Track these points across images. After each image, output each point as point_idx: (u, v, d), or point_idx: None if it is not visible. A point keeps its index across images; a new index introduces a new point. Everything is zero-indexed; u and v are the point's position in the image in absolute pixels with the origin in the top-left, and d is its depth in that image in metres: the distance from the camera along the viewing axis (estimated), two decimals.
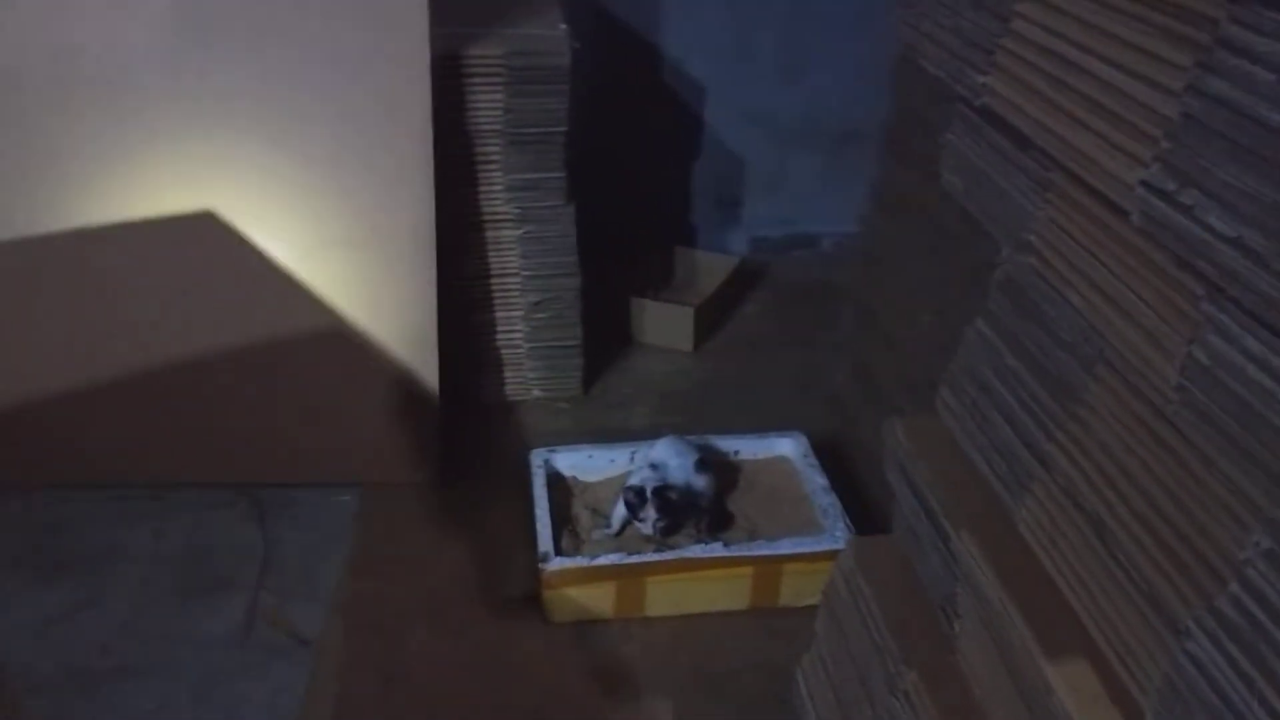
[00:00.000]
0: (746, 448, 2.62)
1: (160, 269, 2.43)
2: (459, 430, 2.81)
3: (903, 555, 1.64)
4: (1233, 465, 1.01)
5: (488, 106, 2.65)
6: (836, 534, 2.27)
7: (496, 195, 2.75)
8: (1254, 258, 0.87)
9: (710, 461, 2.46)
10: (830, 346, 3.24)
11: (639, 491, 2.29)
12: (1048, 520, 1.30)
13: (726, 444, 2.61)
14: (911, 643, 1.47)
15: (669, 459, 2.39)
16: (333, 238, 2.45)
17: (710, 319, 3.35)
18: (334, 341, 2.52)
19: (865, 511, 2.43)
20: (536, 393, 3.01)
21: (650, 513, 2.26)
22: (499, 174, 2.73)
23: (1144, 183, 1.02)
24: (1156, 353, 1.07)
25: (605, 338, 3.20)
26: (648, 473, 2.33)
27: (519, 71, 2.61)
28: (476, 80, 2.61)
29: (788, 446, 2.63)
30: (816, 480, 2.47)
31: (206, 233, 2.38)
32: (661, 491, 2.28)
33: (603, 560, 2.20)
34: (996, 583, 1.28)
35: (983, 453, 1.47)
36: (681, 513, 2.32)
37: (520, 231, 2.79)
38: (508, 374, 2.98)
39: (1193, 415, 1.04)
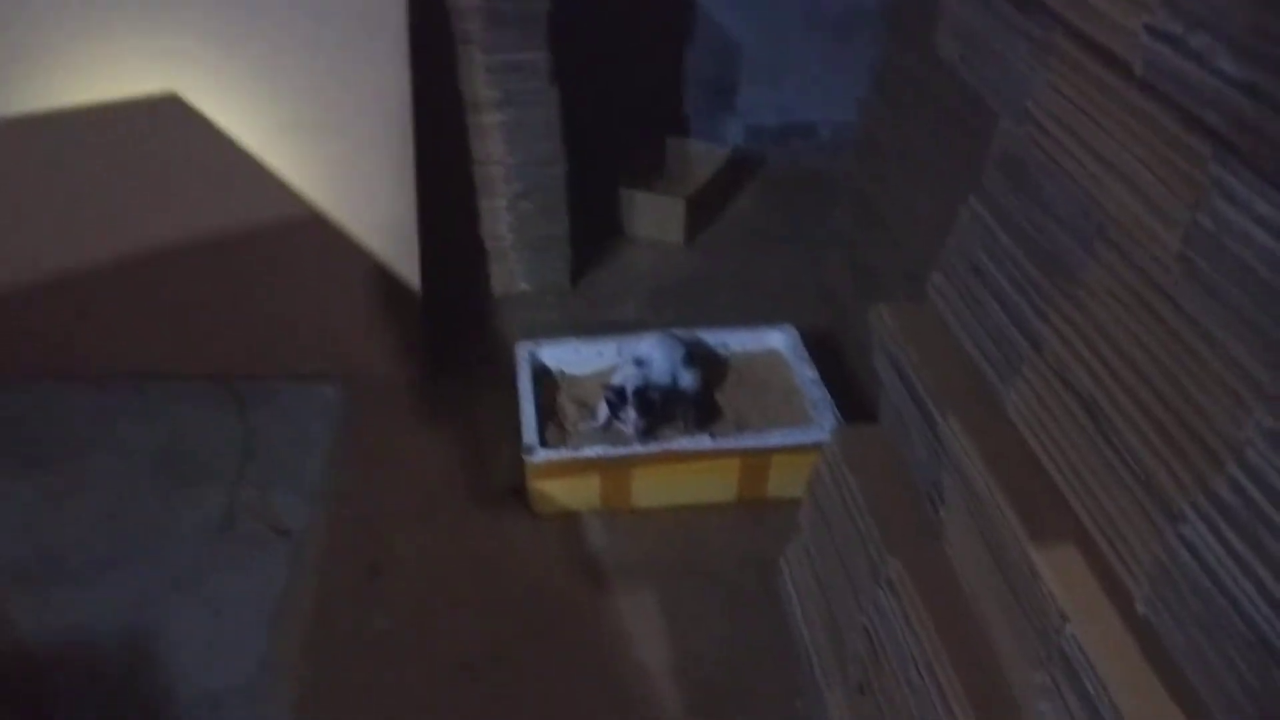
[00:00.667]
0: (736, 341, 2.57)
1: (125, 154, 2.34)
2: (443, 323, 2.75)
3: (889, 444, 1.60)
4: (1235, 339, 0.95)
5: None
6: (825, 426, 2.23)
7: (477, 77, 2.64)
8: (1270, 103, 0.80)
9: (697, 355, 2.41)
10: (826, 239, 3.16)
11: (619, 392, 2.24)
12: (1037, 403, 1.25)
13: (715, 338, 2.55)
14: (896, 531, 1.44)
15: (654, 354, 2.34)
16: (302, 120, 2.35)
17: (703, 211, 3.27)
18: (309, 230, 2.44)
19: (856, 404, 2.38)
20: (523, 286, 2.94)
21: (630, 414, 2.22)
22: (479, 54, 2.62)
23: (1149, 28, 0.94)
24: (1158, 222, 1.00)
25: (594, 230, 3.12)
26: (631, 370, 2.28)
27: None
28: None
29: (778, 339, 2.57)
30: (806, 373, 2.42)
31: (171, 116, 2.28)
32: (642, 393, 2.23)
33: (588, 452, 2.16)
34: (983, 467, 1.23)
35: (973, 336, 1.41)
36: (663, 412, 2.27)
37: (503, 116, 2.69)
38: (493, 267, 2.91)
39: (1195, 287, 0.98)
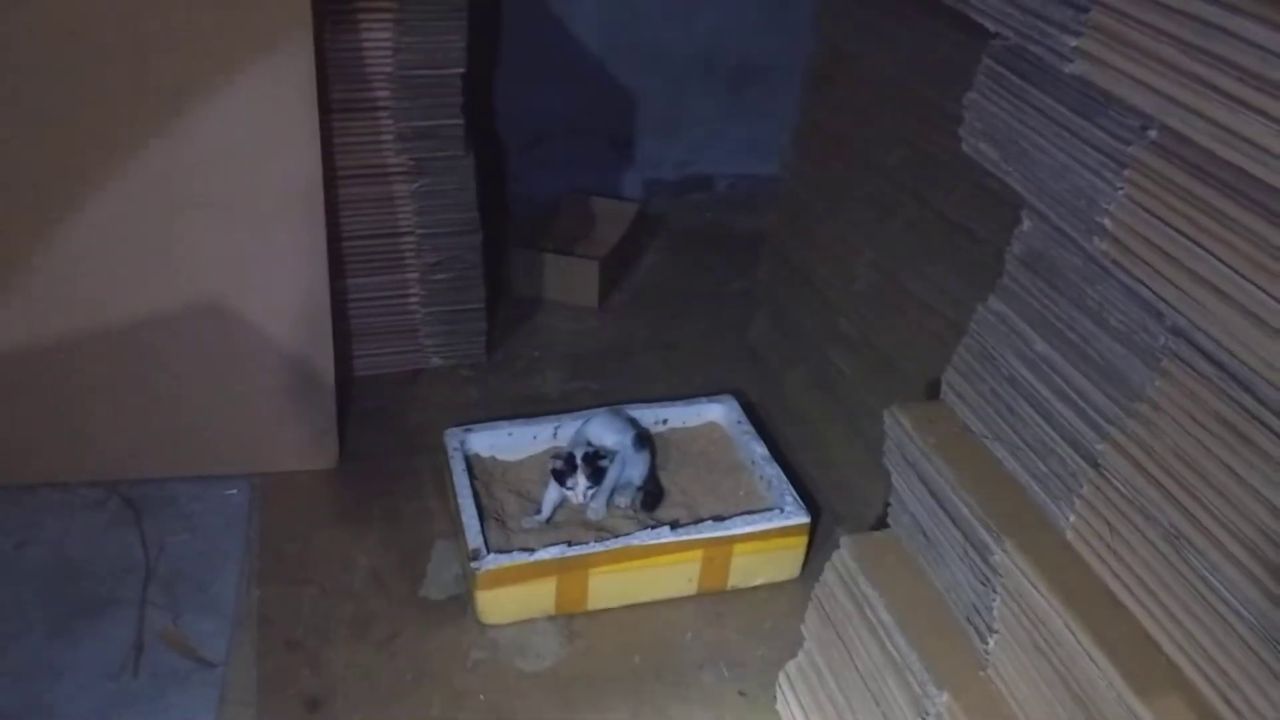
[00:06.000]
0: (675, 415, 2.45)
1: None
2: (351, 406, 2.56)
3: (906, 554, 1.51)
4: None
5: (376, 46, 2.36)
6: (786, 509, 2.13)
7: (387, 146, 2.47)
8: None
9: (647, 437, 2.28)
10: (739, 296, 3.11)
11: (568, 459, 2.10)
12: (1106, 529, 1.18)
13: (652, 413, 2.43)
14: (938, 659, 1.34)
15: (606, 437, 2.20)
16: (201, 198, 2.14)
17: (613, 271, 3.14)
18: (210, 316, 2.22)
19: (797, 477, 2.29)
20: (435, 361, 2.76)
21: (580, 480, 2.09)
22: (389, 122, 2.45)
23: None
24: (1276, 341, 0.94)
25: (500, 296, 2.96)
26: (586, 450, 2.14)
27: (412, 5, 2.32)
28: (362, 16, 2.32)
29: (718, 412, 2.47)
30: (754, 448, 2.32)
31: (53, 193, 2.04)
32: (591, 459, 2.11)
33: (544, 554, 2.00)
34: (1062, 607, 1.15)
35: (1010, 448, 1.34)
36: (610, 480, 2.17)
37: (415, 185, 2.52)
38: (402, 342, 2.71)
39: None
